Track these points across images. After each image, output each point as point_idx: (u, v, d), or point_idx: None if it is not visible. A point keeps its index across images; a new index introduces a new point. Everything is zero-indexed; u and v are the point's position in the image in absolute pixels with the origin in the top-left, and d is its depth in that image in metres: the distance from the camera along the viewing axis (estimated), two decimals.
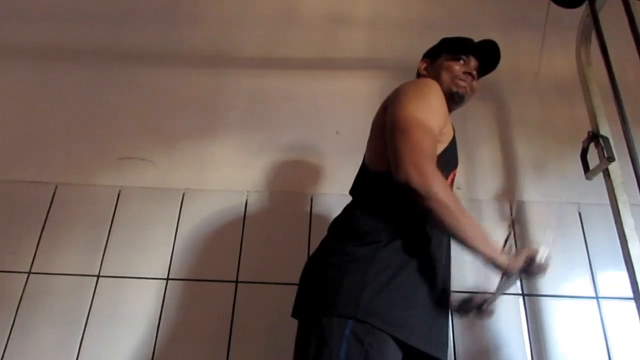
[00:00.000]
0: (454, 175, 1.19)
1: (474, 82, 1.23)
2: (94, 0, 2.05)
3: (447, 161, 1.12)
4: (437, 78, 1.21)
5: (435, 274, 1.05)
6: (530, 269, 0.99)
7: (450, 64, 1.22)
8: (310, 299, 1.03)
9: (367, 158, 1.21)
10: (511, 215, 1.15)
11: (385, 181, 1.06)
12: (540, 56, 1.44)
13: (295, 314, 1.06)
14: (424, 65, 1.30)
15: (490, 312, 1.15)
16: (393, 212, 1.04)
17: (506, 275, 1.00)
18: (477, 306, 1.12)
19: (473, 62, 1.23)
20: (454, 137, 1.18)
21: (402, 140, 1.00)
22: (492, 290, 1.04)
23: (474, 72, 1.23)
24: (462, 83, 1.21)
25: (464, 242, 0.96)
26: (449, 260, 1.15)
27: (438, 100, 1.11)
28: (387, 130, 1.06)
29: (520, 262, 0.99)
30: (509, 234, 1.14)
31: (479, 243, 0.97)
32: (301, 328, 1.02)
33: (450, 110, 1.23)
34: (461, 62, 1.22)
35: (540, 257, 0.98)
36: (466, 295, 1.18)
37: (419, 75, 1.31)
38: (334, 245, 1.08)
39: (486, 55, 1.25)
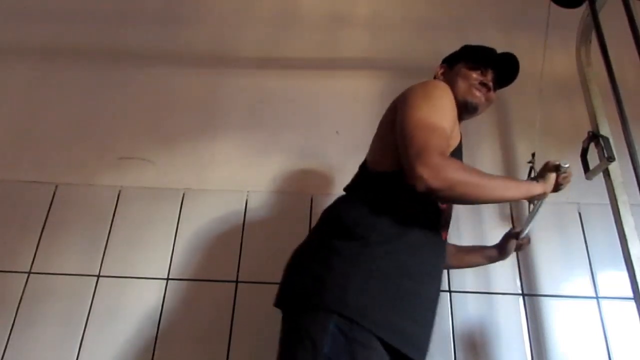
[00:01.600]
0: None
1: (490, 93, 1.22)
2: (94, 0, 2.06)
3: None
4: (453, 85, 1.20)
5: (424, 278, 1.04)
6: (557, 184, 1.11)
7: (468, 72, 1.21)
8: (294, 292, 1.02)
9: (368, 156, 1.20)
10: (532, 155, 1.30)
11: (383, 181, 1.06)
12: (544, 58, 1.43)
13: (278, 303, 1.05)
14: (442, 70, 1.29)
15: (527, 241, 1.37)
16: (386, 210, 1.03)
17: (540, 198, 1.13)
18: (514, 238, 1.33)
19: (490, 74, 1.22)
20: (460, 144, 1.17)
21: (409, 145, 0.98)
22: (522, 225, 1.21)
23: (491, 84, 1.22)
24: (477, 93, 1.20)
25: (503, 200, 1.06)
26: (442, 264, 1.14)
27: (447, 102, 1.09)
28: (398, 134, 1.05)
29: (551, 181, 1.10)
30: (532, 164, 1.27)
31: (515, 191, 1.04)
32: (285, 321, 1.01)
33: (461, 119, 1.22)
34: (479, 72, 1.21)
35: (564, 166, 1.09)
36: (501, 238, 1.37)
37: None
38: (322, 238, 1.07)
39: (505, 68, 1.24)
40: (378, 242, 1.00)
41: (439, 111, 1.05)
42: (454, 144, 1.12)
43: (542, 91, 1.55)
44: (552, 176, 1.10)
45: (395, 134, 1.07)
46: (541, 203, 1.17)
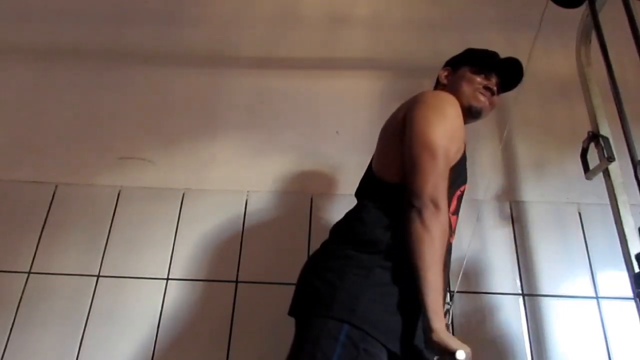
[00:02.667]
0: (462, 191, 1.17)
1: (494, 98, 1.22)
2: (94, 0, 2.06)
3: (456, 177, 1.11)
4: (457, 89, 1.20)
5: None
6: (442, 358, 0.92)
7: (472, 77, 1.21)
8: (307, 299, 1.02)
9: (376, 165, 1.19)
10: (450, 297, 1.27)
11: (395, 192, 1.05)
12: (530, 54, 1.43)
13: (291, 312, 1.05)
14: (445, 73, 1.28)
15: None
16: (399, 222, 1.02)
17: (426, 343, 0.92)
18: None
19: (495, 78, 1.22)
20: (464, 153, 1.16)
21: (428, 167, 1.00)
22: None
23: (494, 88, 1.21)
24: (481, 98, 1.20)
25: (421, 282, 0.92)
26: (448, 272, 1.15)
27: (458, 121, 1.10)
28: (409, 145, 1.05)
29: (446, 341, 0.89)
30: (449, 308, 1.23)
31: (432, 296, 0.92)
32: (297, 328, 1.02)
33: (465, 123, 1.21)
34: (483, 76, 1.21)
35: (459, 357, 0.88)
36: None
37: (438, 82, 1.29)
38: (336, 249, 1.06)
39: (509, 73, 1.24)
40: (392, 255, 1.00)
41: (451, 136, 1.06)
42: (458, 156, 1.12)
43: (517, 95, 1.53)
44: (445, 342, 0.89)
45: (403, 146, 1.07)
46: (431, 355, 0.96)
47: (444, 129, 1.05)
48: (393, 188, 1.07)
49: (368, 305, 0.94)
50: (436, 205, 0.97)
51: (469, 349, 0.89)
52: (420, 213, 0.96)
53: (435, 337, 0.89)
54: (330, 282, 0.98)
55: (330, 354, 0.89)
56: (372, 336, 0.91)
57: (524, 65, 1.26)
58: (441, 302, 0.94)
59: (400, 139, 1.09)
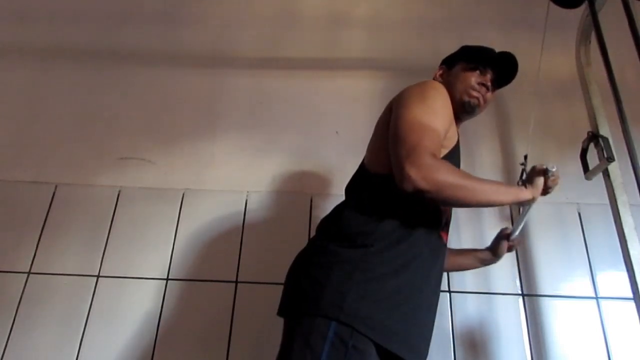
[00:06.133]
0: None
1: (488, 94, 1.22)
2: (94, 0, 2.06)
3: None
4: (451, 86, 1.19)
5: (424, 283, 1.03)
6: (546, 187, 1.10)
7: (467, 73, 1.21)
8: (294, 298, 1.02)
9: (366, 158, 1.19)
10: (525, 158, 1.29)
11: (382, 183, 1.05)
12: (541, 57, 1.43)
13: (280, 312, 1.05)
14: (440, 72, 1.28)
15: (518, 242, 1.36)
16: (387, 216, 1.03)
17: (529, 203, 1.11)
18: (505, 240, 1.33)
19: (489, 74, 1.21)
20: (457, 144, 1.16)
21: (401, 145, 0.98)
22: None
23: (489, 84, 1.21)
24: (475, 94, 1.19)
25: (490, 205, 1.02)
26: (442, 267, 1.14)
27: (443, 104, 1.09)
28: (390, 135, 1.05)
29: (539, 186, 1.09)
30: (524, 166, 1.27)
31: (503, 197, 1.03)
32: (286, 327, 1.01)
33: (461, 119, 1.22)
34: (477, 72, 1.21)
35: (551, 169, 1.09)
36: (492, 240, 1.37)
37: None
38: (322, 245, 1.06)
39: (503, 68, 1.23)
40: (379, 250, 1.00)
41: (432, 112, 1.05)
42: (450, 145, 1.12)
43: (536, 91, 1.55)
44: (540, 180, 1.09)
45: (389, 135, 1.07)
46: (530, 207, 1.15)
47: (423, 109, 1.04)
48: (380, 179, 1.07)
49: (355, 301, 0.93)
50: (418, 167, 0.93)
51: (541, 165, 1.10)
52: (417, 189, 0.93)
53: (536, 196, 1.09)
54: (317, 280, 0.98)
55: (319, 352, 0.89)
56: (360, 332, 0.91)
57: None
58: (508, 190, 1.06)
59: (387, 130, 1.09)
